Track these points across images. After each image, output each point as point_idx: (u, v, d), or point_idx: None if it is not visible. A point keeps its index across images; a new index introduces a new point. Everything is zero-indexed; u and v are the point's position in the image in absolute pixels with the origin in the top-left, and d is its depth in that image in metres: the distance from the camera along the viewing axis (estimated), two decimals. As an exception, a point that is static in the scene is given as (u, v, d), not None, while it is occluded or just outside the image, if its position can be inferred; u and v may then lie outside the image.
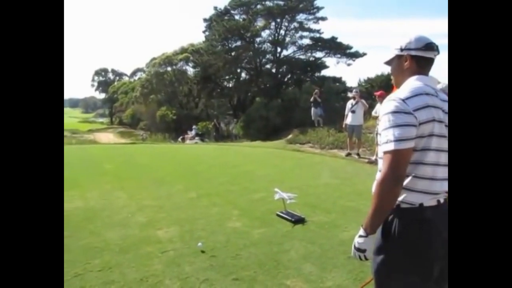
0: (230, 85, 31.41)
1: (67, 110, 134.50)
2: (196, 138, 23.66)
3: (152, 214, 4.70)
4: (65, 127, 46.12)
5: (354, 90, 10.04)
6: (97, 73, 71.69)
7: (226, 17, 28.26)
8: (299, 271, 3.10)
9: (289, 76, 28.98)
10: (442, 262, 1.50)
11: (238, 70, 30.22)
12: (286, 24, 27.19)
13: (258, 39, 27.83)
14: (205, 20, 30.09)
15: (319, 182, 6.53)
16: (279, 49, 27.85)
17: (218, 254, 3.41)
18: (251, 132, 21.27)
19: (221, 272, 3.08)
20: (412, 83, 1.57)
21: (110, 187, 6.36)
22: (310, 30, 26.71)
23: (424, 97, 1.51)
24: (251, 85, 29.52)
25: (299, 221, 4.27)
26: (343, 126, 9.61)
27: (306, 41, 27.12)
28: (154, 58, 37.65)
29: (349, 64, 26.91)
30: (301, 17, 26.58)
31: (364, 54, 27.31)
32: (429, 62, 1.64)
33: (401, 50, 1.64)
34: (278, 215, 4.49)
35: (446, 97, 1.60)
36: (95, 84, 71.78)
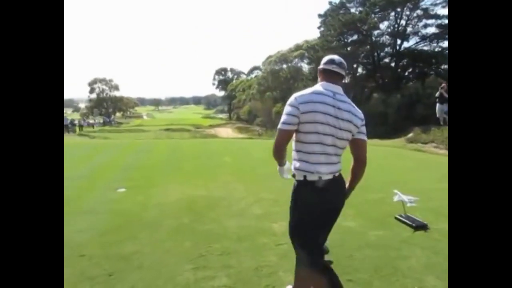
0: (347, 81, 30.58)
1: (191, 107, 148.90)
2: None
3: (268, 207, 4.87)
4: (189, 122, 51.31)
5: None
6: (218, 72, 77.54)
7: (341, 11, 27.53)
8: (421, 282, 2.85)
9: (410, 69, 26.82)
10: (323, 214, 2.21)
11: (355, 65, 29.22)
12: (408, 12, 25.15)
13: (376, 32, 26.45)
14: (320, 16, 29.83)
15: (443, 186, 5.88)
16: (399, 41, 25.98)
17: (332, 253, 3.35)
18: (367, 130, 20.31)
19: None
20: (313, 87, 2.21)
21: (229, 178, 6.81)
22: (436, 16, 24.10)
23: (312, 95, 2.13)
24: (368, 81, 28.27)
25: (420, 227, 3.93)
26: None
27: (431, 30, 24.58)
28: (270, 56, 38.94)
29: (484, 54, 23.62)
30: (426, 2, 24.17)
31: (505, 41, 23.64)
32: (331, 72, 2.20)
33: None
34: (397, 218, 4.21)
35: (346, 99, 2.17)
36: (216, 82, 77.86)
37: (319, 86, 2.18)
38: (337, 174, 2.20)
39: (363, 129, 2.25)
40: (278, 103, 34.06)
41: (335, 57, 2.25)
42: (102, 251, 3.45)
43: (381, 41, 26.84)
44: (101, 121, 53.66)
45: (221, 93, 79.86)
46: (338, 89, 2.19)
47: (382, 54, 27.40)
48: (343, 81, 2.26)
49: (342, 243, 3.60)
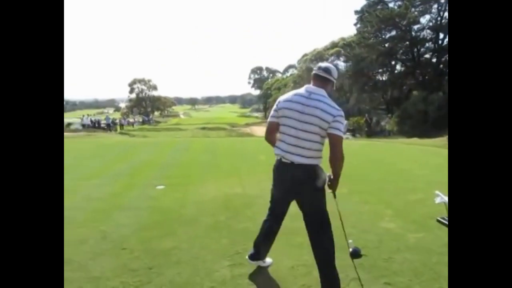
0: (384, 78, 29.78)
1: (227, 106, 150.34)
2: (347, 133, 23.25)
3: (303, 206, 4.82)
4: (225, 121, 51.83)
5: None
6: (253, 71, 77.99)
7: (379, 7, 26.78)
8: None
9: (453, 65, 25.59)
10: (280, 188, 2.89)
11: (393, 62, 28.37)
12: (452, 5, 23.96)
13: (416, 27, 25.50)
14: (356, 12, 29.22)
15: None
16: (441, 35, 24.89)
17: (369, 254, 3.29)
18: (406, 128, 19.77)
19: (371, 273, 2.97)
20: (299, 89, 2.64)
21: (265, 177, 6.80)
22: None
23: (290, 96, 2.62)
24: (407, 78, 27.35)
25: (464, 230, 3.75)
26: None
27: (478, 23, 23.31)
28: (305, 54, 38.63)
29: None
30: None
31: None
32: (317, 76, 2.62)
33: None
34: (439, 221, 4.05)
35: (322, 98, 2.50)
36: (251, 81, 78.36)
37: (302, 88, 2.62)
38: (298, 163, 2.56)
39: (336, 124, 2.47)
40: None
41: (323, 64, 2.70)
42: (142, 246, 3.57)
43: (421, 36, 25.85)
44: (140, 120, 55.40)
45: (257, 92, 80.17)
46: (318, 90, 2.55)
47: (422, 49, 26.38)
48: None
49: (379, 244, 3.52)
